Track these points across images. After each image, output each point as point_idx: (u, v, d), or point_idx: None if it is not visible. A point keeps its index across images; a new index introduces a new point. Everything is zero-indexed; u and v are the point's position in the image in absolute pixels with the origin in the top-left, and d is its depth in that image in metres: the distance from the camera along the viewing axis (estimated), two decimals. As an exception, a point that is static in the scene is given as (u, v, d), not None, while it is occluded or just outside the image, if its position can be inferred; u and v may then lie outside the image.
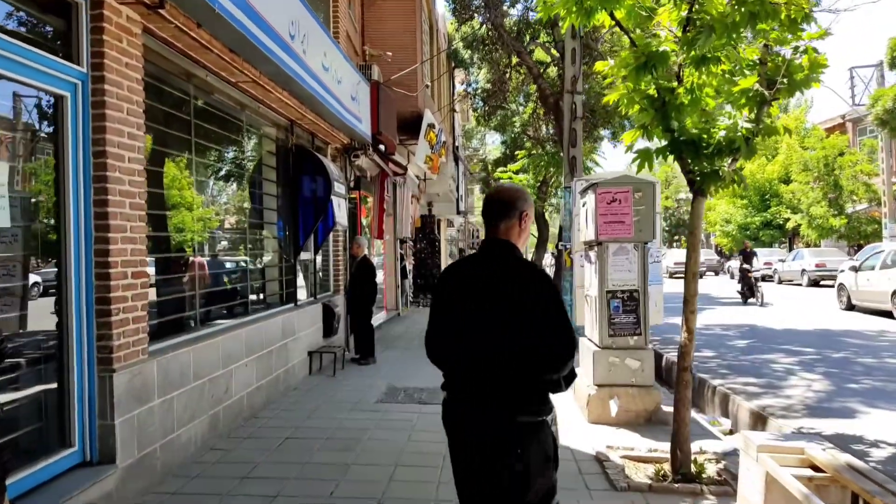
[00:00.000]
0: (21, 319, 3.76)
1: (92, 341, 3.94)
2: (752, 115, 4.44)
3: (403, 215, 14.79)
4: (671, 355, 9.00)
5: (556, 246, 11.68)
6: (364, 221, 12.81)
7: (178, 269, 5.54)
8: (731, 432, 6.27)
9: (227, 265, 6.77)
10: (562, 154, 13.19)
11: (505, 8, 16.00)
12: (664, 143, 4.62)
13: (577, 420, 6.07)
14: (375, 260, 12.81)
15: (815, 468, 3.38)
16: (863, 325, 13.11)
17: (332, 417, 6.13)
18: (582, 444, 5.28)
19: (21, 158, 3.88)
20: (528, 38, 16.20)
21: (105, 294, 3.97)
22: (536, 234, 22.68)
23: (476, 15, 16.10)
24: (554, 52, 15.39)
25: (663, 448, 5.00)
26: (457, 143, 23.90)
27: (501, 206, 2.46)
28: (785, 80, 4.33)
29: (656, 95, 4.50)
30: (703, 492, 4.20)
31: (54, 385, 3.83)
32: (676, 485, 4.29)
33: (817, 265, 24.26)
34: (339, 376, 8.18)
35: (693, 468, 4.43)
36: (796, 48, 4.33)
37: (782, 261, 27.94)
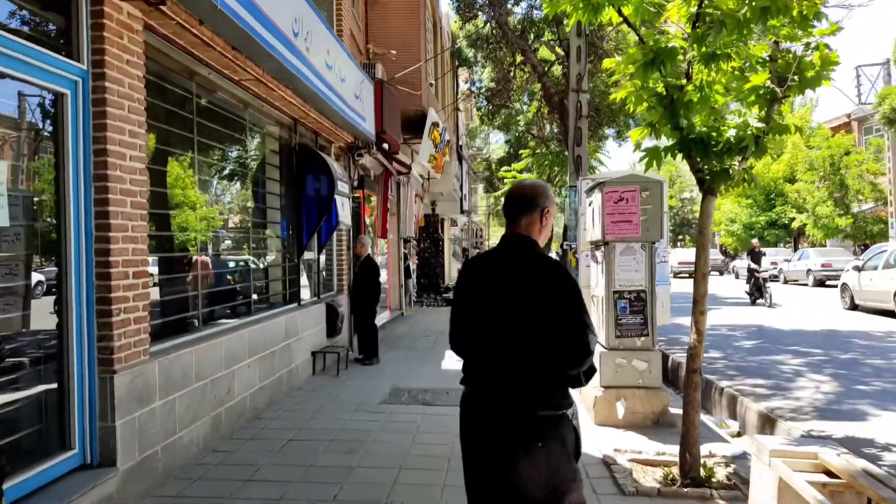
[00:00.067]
0: (24, 319, 3.71)
1: (92, 342, 3.89)
2: (763, 113, 4.37)
3: (407, 214, 14.72)
4: (677, 356, 8.93)
5: (561, 245, 11.62)
6: (368, 221, 12.75)
7: (181, 269, 5.49)
8: (738, 434, 6.19)
9: (230, 264, 6.71)
10: (566, 153, 13.12)
11: (509, 6, 15.92)
12: (672, 141, 4.55)
13: (583, 422, 5.93)
14: (379, 259, 12.75)
15: (829, 473, 3.30)
16: (869, 326, 13.01)
17: (336, 419, 6.07)
18: (589, 447, 5.20)
19: (21, 157, 3.83)
20: (532, 36, 16.15)
21: (106, 294, 3.91)
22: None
23: (480, 13, 16.04)
24: (558, 50, 15.32)
25: (671, 451, 4.93)
26: (460, 143, 23.84)
27: (523, 201, 2.47)
28: (796, 78, 4.26)
29: (665, 93, 4.43)
30: (714, 497, 4.12)
31: (54, 386, 3.77)
32: (686, 489, 4.22)
33: (823, 265, 24.13)
34: (343, 377, 8.12)
35: (702, 472, 4.35)
36: (808, 44, 4.26)
37: (787, 260, 27.80)
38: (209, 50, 5.15)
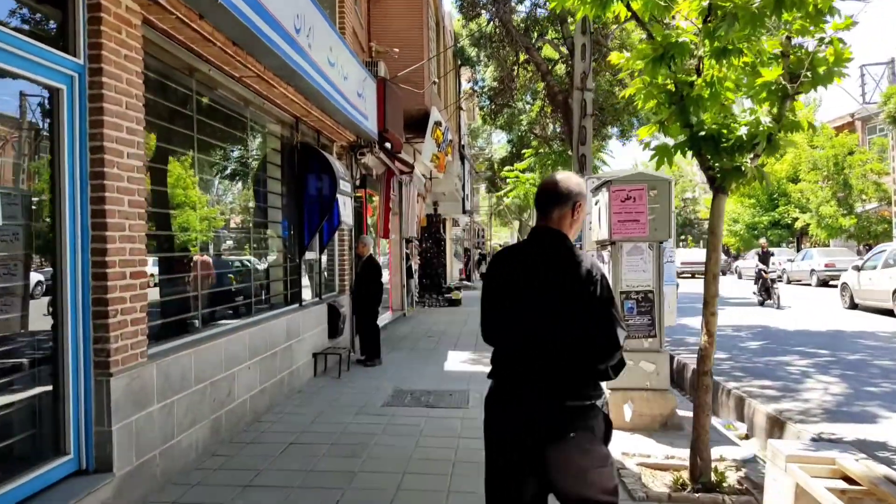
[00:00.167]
0: (22, 320, 3.62)
1: (88, 344, 3.78)
2: (774, 110, 4.26)
3: (409, 214, 14.61)
4: (682, 357, 8.83)
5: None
6: (370, 220, 12.66)
7: (180, 269, 5.39)
8: (746, 437, 6.09)
9: (230, 265, 6.61)
10: (569, 152, 13.02)
11: (513, 4, 15.83)
12: (682, 138, 4.44)
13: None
14: (381, 259, 12.65)
15: (848, 480, 3.20)
16: (874, 326, 12.91)
17: (338, 422, 5.97)
18: (596, 451, 5.10)
19: (15, 154, 3.73)
20: (535, 34, 16.05)
21: (102, 295, 3.81)
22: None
23: (483, 11, 15.95)
24: (563, 49, 15.22)
25: (680, 455, 4.83)
26: (462, 142, 23.74)
27: (556, 194, 2.46)
28: (808, 74, 4.16)
29: (674, 89, 4.32)
30: (725, 502, 4.01)
31: (48, 389, 3.67)
32: (697, 494, 4.11)
33: (827, 265, 24.07)
34: (345, 378, 8.02)
35: (713, 477, 4.25)
36: (822, 39, 4.15)
37: (791, 260, 27.70)
38: (209, 46, 5.05)
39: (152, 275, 4.84)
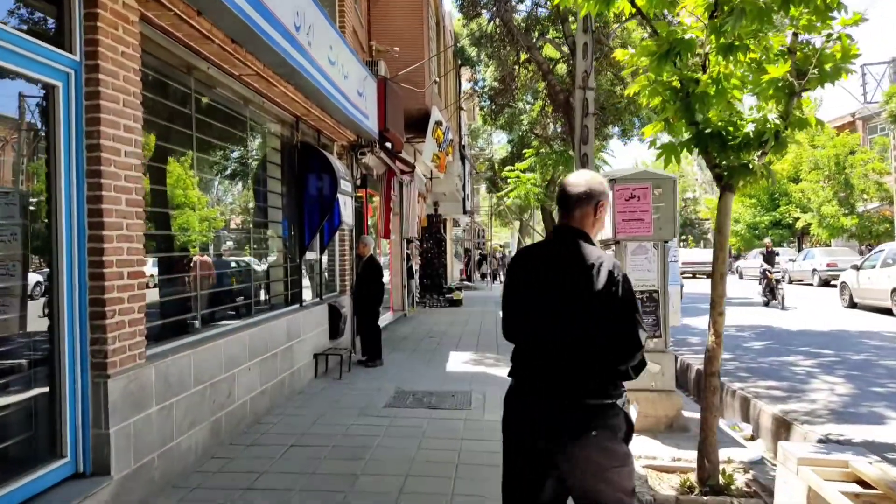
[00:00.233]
0: (21, 321, 3.55)
1: (85, 345, 3.71)
2: (781, 107, 4.20)
3: (410, 214, 14.55)
4: (685, 357, 8.76)
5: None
6: (370, 220, 12.59)
7: (179, 269, 5.33)
8: (752, 438, 6.02)
9: (230, 265, 6.55)
10: (571, 152, 12.95)
11: (513, 3, 15.76)
12: (688, 136, 4.38)
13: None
14: (382, 260, 12.58)
15: (861, 483, 3.13)
16: (877, 326, 12.83)
17: (339, 423, 5.90)
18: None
19: (10, 152, 3.67)
20: (536, 33, 15.98)
21: (99, 295, 3.74)
22: (544, 233, 22.43)
23: (484, 11, 15.89)
24: (564, 48, 15.15)
25: (687, 457, 4.76)
26: (463, 142, 23.69)
27: (578, 193, 2.46)
28: (815, 71, 4.09)
29: (679, 86, 4.26)
30: (734, 505, 3.95)
31: (45, 391, 3.60)
32: (705, 497, 4.04)
33: (828, 265, 24.03)
34: (346, 379, 7.95)
35: (721, 479, 4.18)
36: (829, 35, 4.09)
37: (792, 260, 27.63)
38: (208, 43, 4.98)
39: (151, 275, 4.78)
